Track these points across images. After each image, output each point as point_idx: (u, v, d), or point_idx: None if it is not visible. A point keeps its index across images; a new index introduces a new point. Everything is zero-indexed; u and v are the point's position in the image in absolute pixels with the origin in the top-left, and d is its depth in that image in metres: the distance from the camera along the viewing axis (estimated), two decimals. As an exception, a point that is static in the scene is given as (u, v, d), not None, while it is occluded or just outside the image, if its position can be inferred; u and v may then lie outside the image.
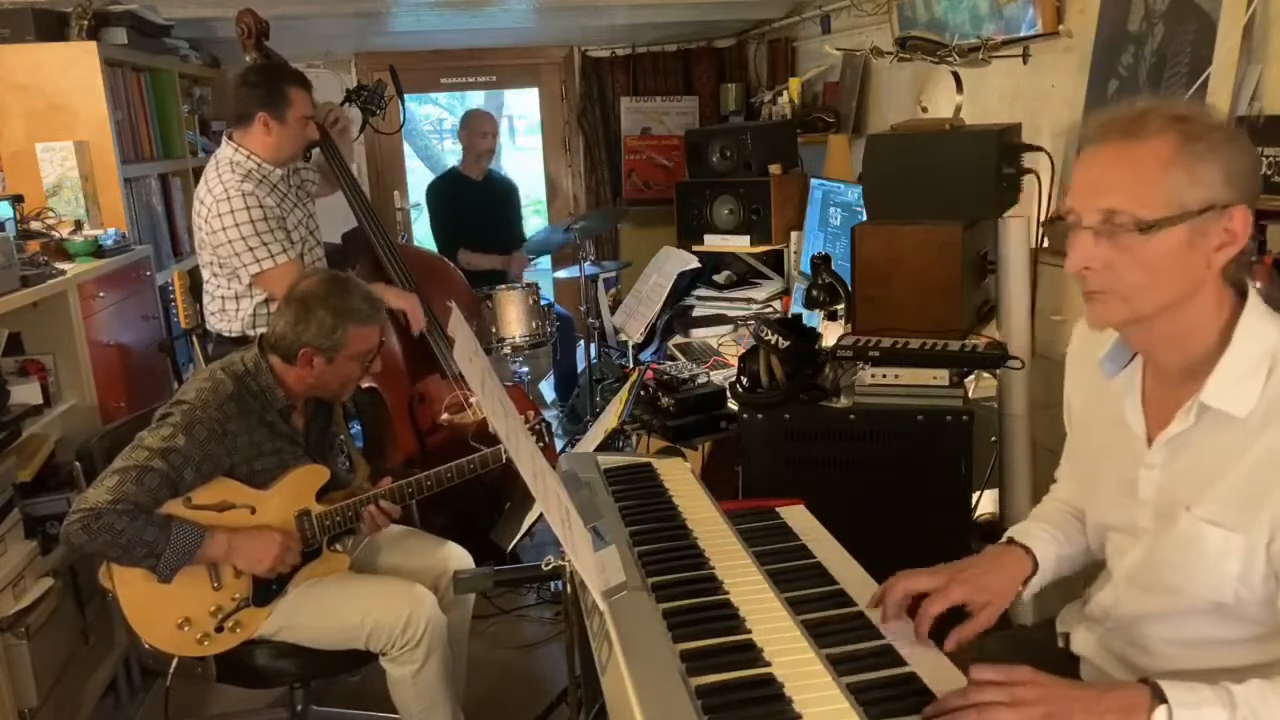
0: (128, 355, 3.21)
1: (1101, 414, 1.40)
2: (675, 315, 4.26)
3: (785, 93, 4.53)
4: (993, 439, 2.41)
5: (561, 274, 4.83)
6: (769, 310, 4.07)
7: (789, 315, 3.00)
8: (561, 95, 5.84)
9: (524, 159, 8.63)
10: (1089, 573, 1.51)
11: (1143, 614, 1.33)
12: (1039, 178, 2.36)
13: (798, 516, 1.80)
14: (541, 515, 1.48)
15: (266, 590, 2.23)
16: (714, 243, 4.08)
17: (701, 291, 4.36)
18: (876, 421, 2.23)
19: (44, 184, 3.27)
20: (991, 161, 2.26)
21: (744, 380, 2.40)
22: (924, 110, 3.48)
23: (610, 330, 4.45)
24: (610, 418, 2.46)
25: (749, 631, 1.31)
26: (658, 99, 5.66)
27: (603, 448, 2.38)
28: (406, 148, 6.31)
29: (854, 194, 3.41)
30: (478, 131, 4.89)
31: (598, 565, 1.38)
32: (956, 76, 2.71)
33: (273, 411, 2.28)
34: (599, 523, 1.58)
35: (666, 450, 2.77)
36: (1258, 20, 2.01)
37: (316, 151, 3.30)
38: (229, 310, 3.00)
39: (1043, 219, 2.39)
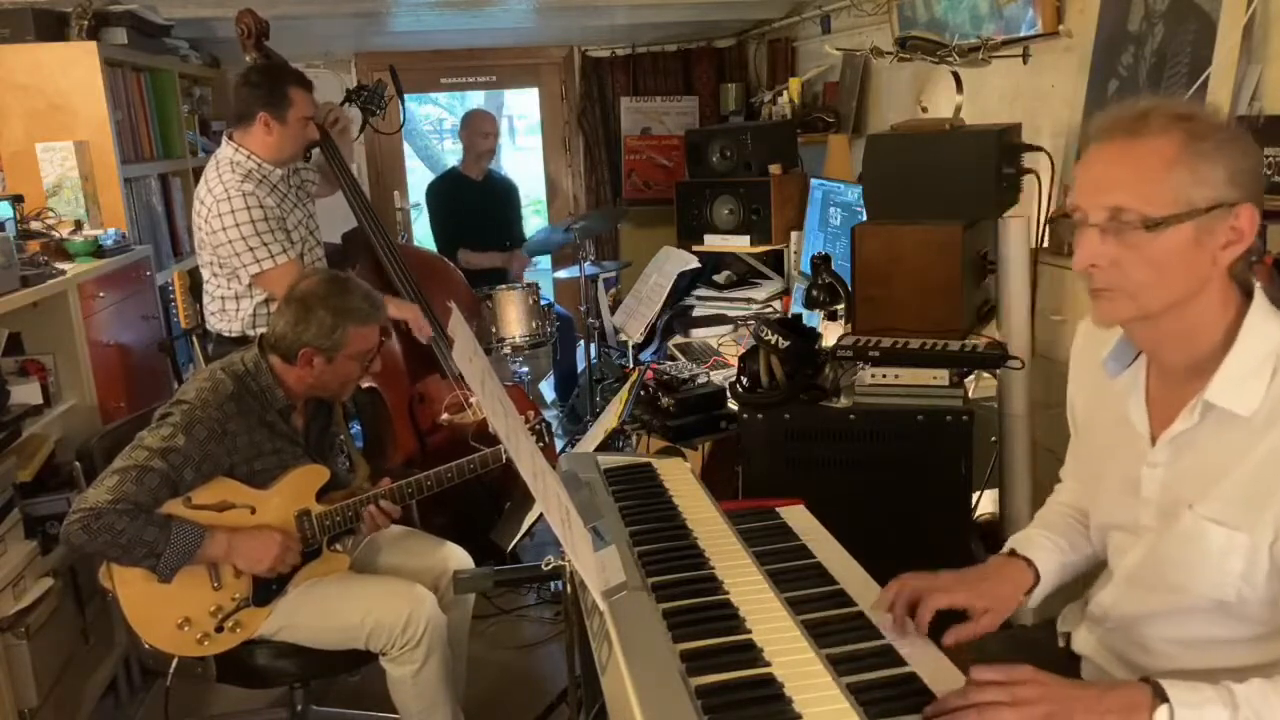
0: (128, 355, 3.21)
1: (1105, 413, 1.40)
2: (675, 315, 4.26)
3: (785, 93, 4.53)
4: (993, 439, 2.41)
5: (561, 274, 4.83)
6: (769, 310, 4.07)
7: (789, 315, 3.00)
8: (561, 95, 5.84)
9: (524, 159, 8.63)
10: (1090, 573, 1.51)
11: (1144, 613, 1.33)
12: (1039, 178, 2.36)
13: (798, 516, 1.81)
14: (541, 515, 1.48)
15: (266, 590, 2.23)
16: (714, 243, 4.08)
17: (701, 291, 4.36)
18: (876, 421, 2.23)
19: (44, 184, 3.27)
20: (991, 161, 2.26)
21: (744, 380, 2.40)
22: (924, 110, 3.48)
23: (610, 330, 4.45)
24: (610, 418, 2.46)
25: (749, 631, 1.31)
26: (658, 99, 5.66)
27: (603, 448, 2.38)
28: (406, 148, 6.31)
29: (854, 194, 3.41)
30: (479, 131, 4.89)
31: (598, 565, 1.38)
32: (956, 76, 2.71)
33: (273, 411, 2.28)
34: (599, 523, 1.58)
35: (666, 450, 2.77)
36: (1258, 20, 2.01)
37: (316, 152, 3.30)
38: (229, 310, 3.00)
39: (1043, 219, 2.39)
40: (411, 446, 3.35)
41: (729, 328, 4.06)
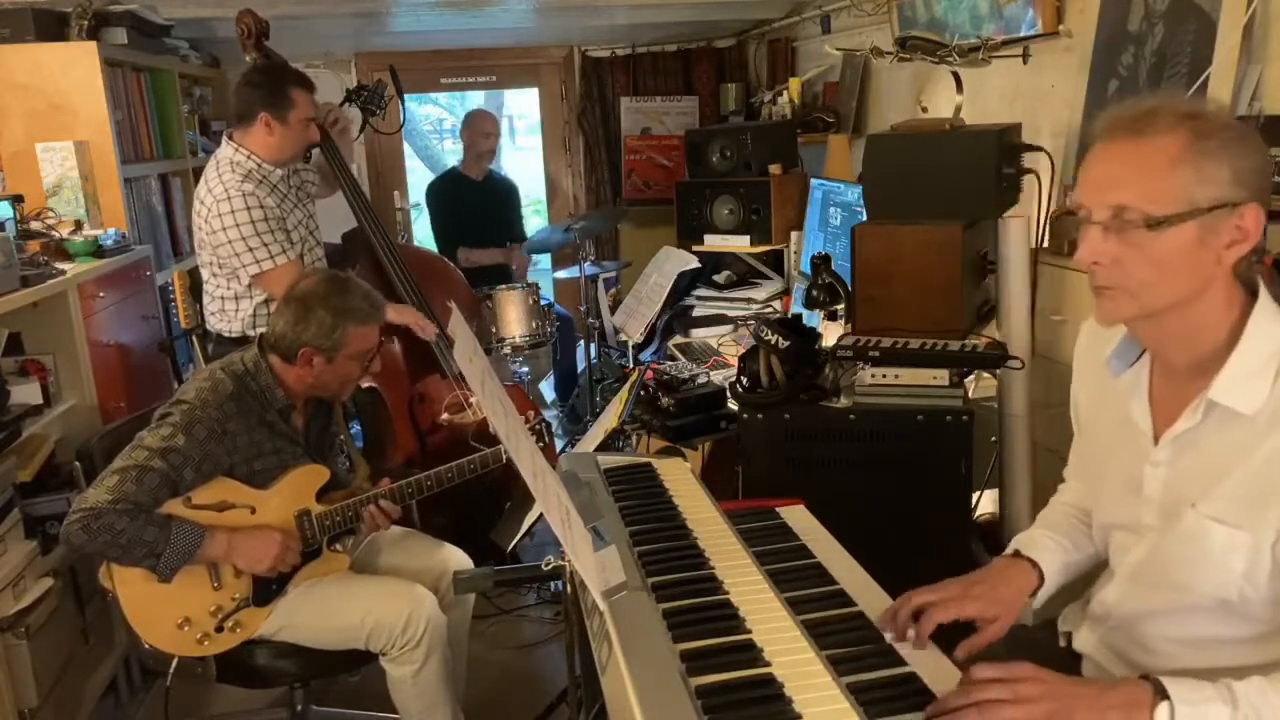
0: (128, 355, 3.21)
1: (1108, 412, 1.40)
2: (675, 315, 4.26)
3: (785, 93, 4.53)
4: (993, 439, 2.41)
5: (561, 274, 4.83)
6: (769, 310, 4.07)
7: (789, 315, 3.00)
8: (561, 95, 5.84)
9: (524, 159, 8.64)
10: (1092, 573, 1.51)
11: (1145, 612, 1.33)
12: (1039, 178, 2.36)
13: (798, 516, 1.81)
14: (541, 515, 1.48)
15: (266, 590, 2.23)
16: (714, 243, 4.08)
17: (701, 291, 4.36)
18: (876, 421, 2.22)
19: (44, 184, 3.27)
20: (991, 161, 2.26)
21: (744, 380, 2.40)
22: (924, 110, 3.48)
23: (610, 330, 4.45)
24: (610, 418, 2.46)
25: (749, 631, 1.31)
26: (658, 99, 5.66)
27: (603, 448, 2.38)
28: (406, 148, 6.31)
29: (854, 194, 3.41)
30: (480, 131, 4.90)
31: (598, 565, 1.38)
32: (956, 76, 2.71)
33: (272, 411, 2.28)
34: (599, 523, 1.58)
35: (666, 450, 2.77)
36: (1258, 20, 2.01)
37: (316, 152, 3.30)
38: (229, 310, 3.00)
39: (1043, 219, 2.39)
40: (411, 446, 3.35)
41: (729, 328, 4.06)
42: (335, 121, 3.30)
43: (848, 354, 2.25)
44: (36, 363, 2.72)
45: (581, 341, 4.47)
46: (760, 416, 2.29)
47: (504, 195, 5.07)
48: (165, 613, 2.14)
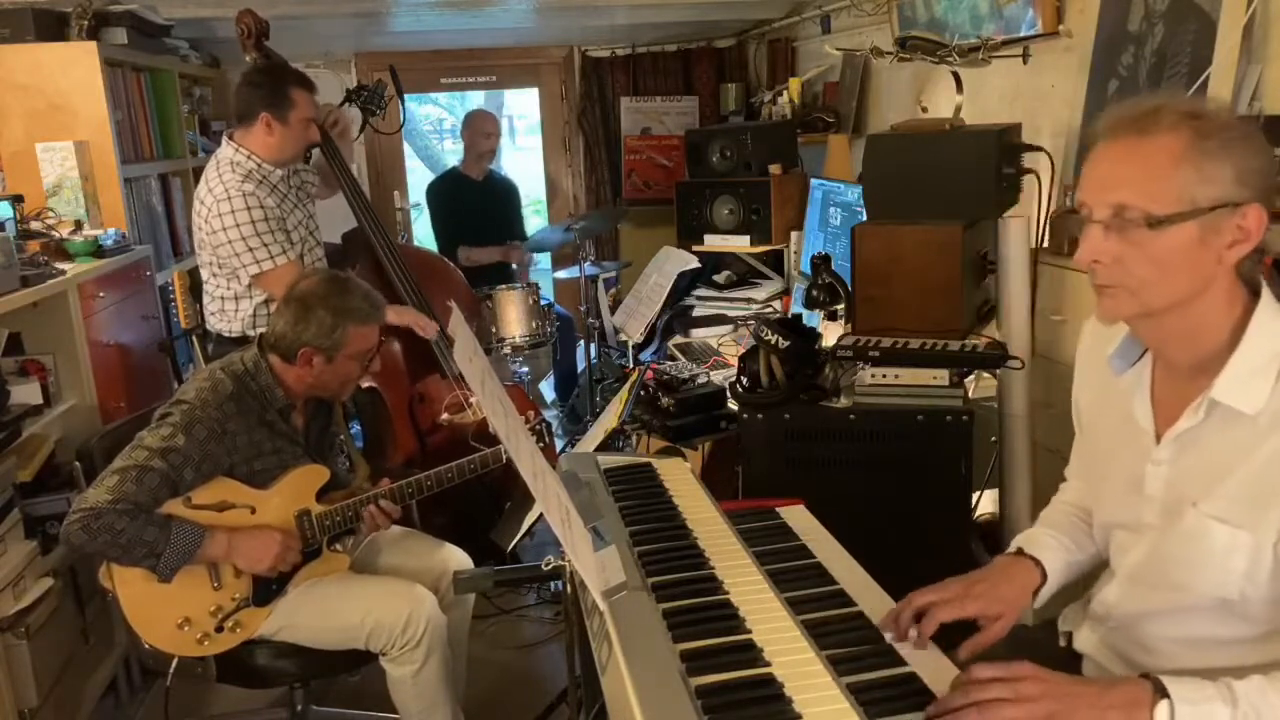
0: (128, 355, 3.21)
1: (1110, 411, 1.40)
2: (675, 315, 4.26)
3: (785, 93, 4.53)
4: (993, 439, 2.41)
5: (561, 274, 4.83)
6: (769, 310, 4.07)
7: (789, 315, 3.00)
8: (561, 95, 5.84)
9: (524, 159, 8.64)
10: (1092, 573, 1.51)
11: (1146, 611, 1.33)
12: (1039, 178, 2.36)
13: (798, 516, 1.80)
14: (541, 515, 1.48)
15: (266, 590, 2.23)
16: (714, 243, 4.08)
17: (701, 291, 4.36)
18: (876, 421, 2.22)
19: (44, 184, 3.27)
20: (991, 161, 2.26)
21: (744, 380, 2.40)
22: (924, 110, 3.48)
23: (610, 330, 4.45)
24: (610, 418, 2.46)
25: (749, 631, 1.31)
26: (658, 99, 5.66)
27: (603, 448, 2.38)
28: (406, 148, 6.31)
29: (854, 194, 3.41)
30: (480, 131, 4.90)
31: (598, 565, 1.38)
32: (956, 76, 2.71)
33: (272, 411, 2.28)
34: (599, 523, 1.58)
35: (666, 450, 2.77)
36: (1258, 20, 2.01)
37: (316, 152, 3.30)
38: (229, 311, 3.00)
39: (1043, 219, 2.39)
40: (411, 446, 3.35)
41: (729, 328, 4.06)
42: (335, 123, 3.30)
43: (848, 354, 2.25)
44: (36, 363, 2.72)
45: (581, 341, 4.47)
46: (760, 416, 2.29)
47: (504, 195, 5.07)
48: (165, 613, 2.14)
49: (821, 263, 2.61)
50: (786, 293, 4.11)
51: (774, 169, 3.93)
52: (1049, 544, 1.50)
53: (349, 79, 5.37)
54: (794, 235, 3.95)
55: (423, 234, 5.40)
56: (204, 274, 3.05)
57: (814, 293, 2.60)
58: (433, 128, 9.68)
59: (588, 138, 5.73)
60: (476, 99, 7.61)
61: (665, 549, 1.57)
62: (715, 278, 4.44)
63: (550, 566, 1.47)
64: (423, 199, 5.06)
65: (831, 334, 2.51)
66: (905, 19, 3.42)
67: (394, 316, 3.01)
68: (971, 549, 2.27)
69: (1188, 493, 1.25)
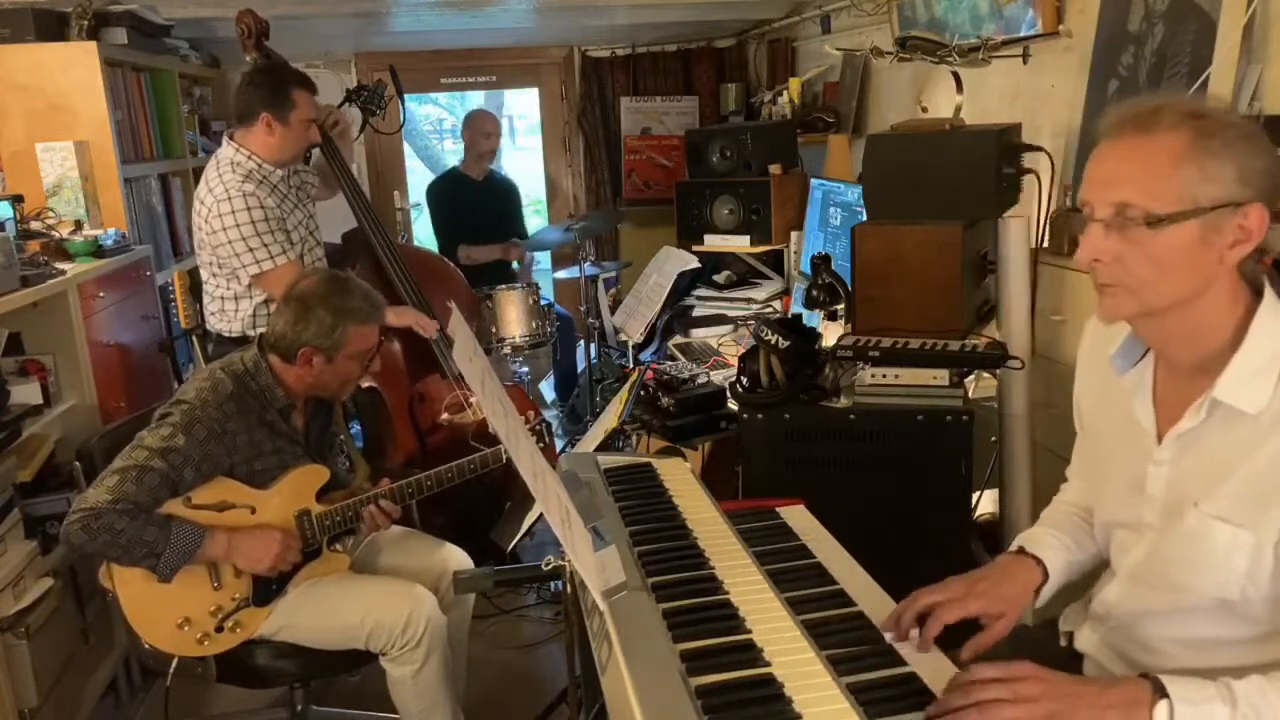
0: (128, 355, 3.21)
1: (1112, 412, 1.40)
2: (675, 315, 4.26)
3: (785, 93, 4.53)
4: (993, 439, 2.41)
5: (561, 274, 4.83)
6: (769, 310, 4.07)
7: (789, 315, 3.00)
8: (561, 95, 5.84)
9: (524, 159, 8.64)
10: (1093, 573, 1.51)
11: (1146, 611, 1.33)
12: (1039, 178, 2.36)
13: (798, 516, 1.80)
14: (541, 515, 1.48)
15: (266, 590, 2.23)
16: (714, 243, 4.08)
17: (701, 291, 4.36)
18: (876, 421, 2.22)
19: (44, 184, 3.27)
20: (991, 161, 2.26)
21: (744, 380, 2.40)
22: (924, 110, 3.48)
23: (610, 330, 4.45)
24: (610, 418, 2.46)
25: (749, 631, 1.31)
26: (658, 99, 5.66)
27: (603, 448, 2.38)
28: (406, 148, 6.31)
29: (854, 194, 3.41)
30: (481, 131, 4.90)
31: (598, 565, 1.38)
32: (956, 76, 2.71)
33: (272, 411, 2.28)
34: (599, 523, 1.58)
35: (666, 450, 2.77)
36: (1258, 20, 2.01)
37: (316, 153, 3.30)
38: (229, 311, 3.00)
39: (1043, 219, 2.39)
40: (411, 446, 3.35)
41: (729, 328, 4.05)
42: (335, 124, 3.31)
43: (848, 354, 2.25)
44: (36, 363, 2.72)
45: (581, 341, 4.47)
46: (760, 416, 2.29)
47: (505, 195, 5.07)
48: (165, 613, 2.14)
49: (821, 263, 2.61)
50: (786, 293, 4.11)
51: (774, 169, 3.93)
52: (1050, 543, 1.50)
53: (349, 79, 5.37)
54: (794, 235, 3.95)
55: (423, 234, 5.40)
56: (204, 274, 3.05)
57: (814, 293, 2.60)
58: (433, 128, 9.68)
59: (588, 138, 5.73)
60: (476, 99, 7.61)
61: (665, 549, 1.57)
62: (715, 278, 4.44)
63: (550, 566, 1.47)
64: (423, 199, 5.06)
65: (831, 334, 2.51)
66: (905, 19, 3.42)
67: (394, 318, 3.01)
68: (971, 549, 2.27)
69: (1189, 492, 1.25)
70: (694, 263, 4.19)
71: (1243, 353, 1.20)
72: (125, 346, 3.19)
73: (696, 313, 4.22)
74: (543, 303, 4.06)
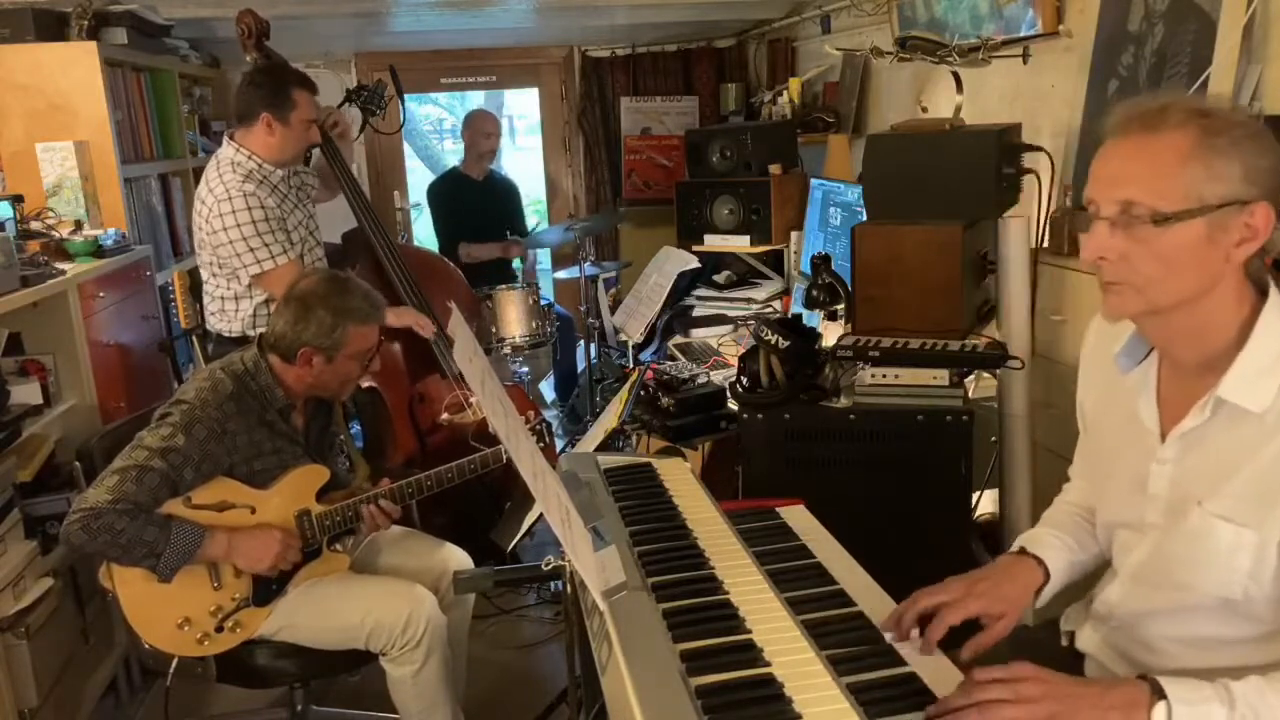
0: (128, 355, 3.21)
1: (1115, 410, 1.40)
2: (675, 315, 4.26)
3: (785, 93, 4.53)
4: (993, 439, 2.41)
5: (561, 274, 4.83)
6: (769, 310, 4.07)
7: (789, 315, 3.00)
8: (561, 95, 5.84)
9: (524, 159, 8.64)
10: (1095, 573, 1.51)
11: (1148, 611, 1.33)
12: (1039, 178, 2.36)
13: (798, 516, 1.80)
14: (541, 515, 1.48)
15: (266, 590, 2.23)
16: (714, 243, 4.08)
17: (701, 291, 4.36)
18: (876, 421, 2.22)
19: (44, 184, 3.27)
20: (991, 161, 2.26)
21: (744, 380, 2.40)
22: (924, 110, 3.48)
23: (610, 330, 4.45)
24: (610, 418, 2.46)
25: (749, 631, 1.31)
26: (658, 99, 5.66)
27: (603, 448, 2.38)
28: (406, 148, 6.31)
29: (854, 194, 3.41)
30: (481, 131, 4.90)
31: (598, 565, 1.38)
32: (956, 76, 2.71)
33: (272, 411, 2.28)
34: (599, 523, 1.58)
35: (666, 450, 2.77)
36: (1258, 20, 2.01)
37: (316, 153, 3.30)
38: (229, 311, 3.00)
39: (1043, 219, 2.39)
40: (411, 446, 3.35)
41: (729, 328, 4.06)
42: (335, 125, 3.31)
43: (848, 354, 2.25)
44: (36, 363, 2.72)
45: (581, 341, 4.47)
46: (760, 416, 2.29)
47: (505, 195, 5.07)
48: (165, 613, 2.14)
49: (821, 263, 2.61)
50: (786, 293, 4.11)
51: (774, 169, 3.93)
52: (1052, 543, 1.50)
53: (349, 79, 5.36)
54: (794, 235, 3.95)
55: (423, 234, 5.40)
56: (204, 274, 3.05)
57: (814, 293, 2.60)
58: (433, 128, 9.68)
59: (588, 138, 5.73)
60: (476, 99, 7.61)
61: (665, 549, 1.57)
62: (715, 278, 4.44)
63: (550, 566, 1.47)
64: (423, 199, 5.07)
65: (831, 334, 2.51)
66: (905, 19, 3.42)
67: (393, 319, 3.01)
68: (971, 549, 2.27)
69: (1192, 491, 1.25)
70: (694, 263, 4.19)
71: (1248, 351, 1.20)
72: (125, 346, 3.19)
73: (696, 313, 4.22)
74: (543, 303, 4.06)
